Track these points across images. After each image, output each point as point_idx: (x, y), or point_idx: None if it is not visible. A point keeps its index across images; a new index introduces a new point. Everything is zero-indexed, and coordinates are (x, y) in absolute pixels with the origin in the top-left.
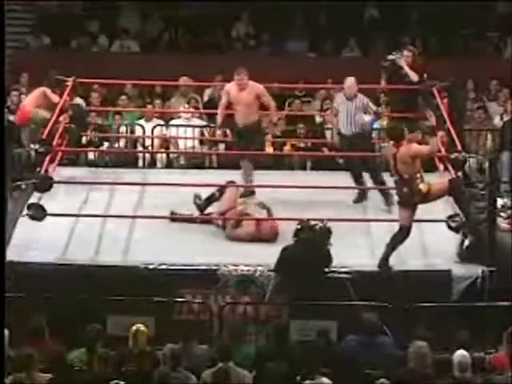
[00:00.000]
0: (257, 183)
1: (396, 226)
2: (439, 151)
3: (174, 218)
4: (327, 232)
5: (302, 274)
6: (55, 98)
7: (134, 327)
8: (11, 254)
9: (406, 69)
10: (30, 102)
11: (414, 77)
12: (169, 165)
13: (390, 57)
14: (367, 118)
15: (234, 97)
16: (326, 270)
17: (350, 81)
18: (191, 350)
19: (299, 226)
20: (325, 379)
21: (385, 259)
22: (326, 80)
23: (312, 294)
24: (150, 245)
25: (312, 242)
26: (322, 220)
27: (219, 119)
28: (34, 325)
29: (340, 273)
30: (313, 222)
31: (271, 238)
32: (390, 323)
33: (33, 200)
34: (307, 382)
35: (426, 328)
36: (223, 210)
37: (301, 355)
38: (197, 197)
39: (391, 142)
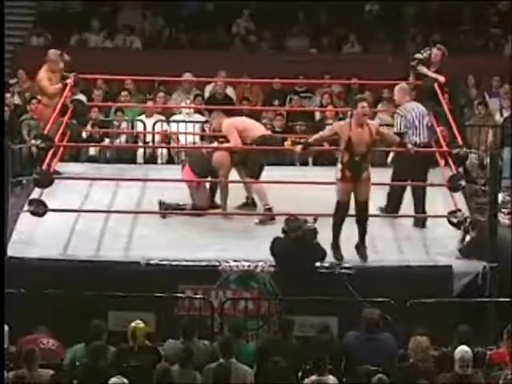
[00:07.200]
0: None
1: (397, 221)
2: (440, 146)
3: (166, 212)
4: (313, 232)
5: (294, 269)
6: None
7: (132, 325)
8: (12, 250)
9: (425, 70)
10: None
11: (440, 78)
12: (170, 161)
13: (418, 55)
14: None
15: None
16: (322, 265)
17: (400, 88)
18: (192, 346)
19: (286, 227)
20: (331, 377)
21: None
22: (324, 76)
23: (309, 289)
24: (151, 240)
25: (300, 240)
26: (314, 219)
27: None
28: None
29: (340, 268)
30: (299, 222)
31: None
32: (391, 319)
33: (34, 196)
34: (313, 377)
35: (427, 323)
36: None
37: (305, 351)
38: (161, 203)
39: None
